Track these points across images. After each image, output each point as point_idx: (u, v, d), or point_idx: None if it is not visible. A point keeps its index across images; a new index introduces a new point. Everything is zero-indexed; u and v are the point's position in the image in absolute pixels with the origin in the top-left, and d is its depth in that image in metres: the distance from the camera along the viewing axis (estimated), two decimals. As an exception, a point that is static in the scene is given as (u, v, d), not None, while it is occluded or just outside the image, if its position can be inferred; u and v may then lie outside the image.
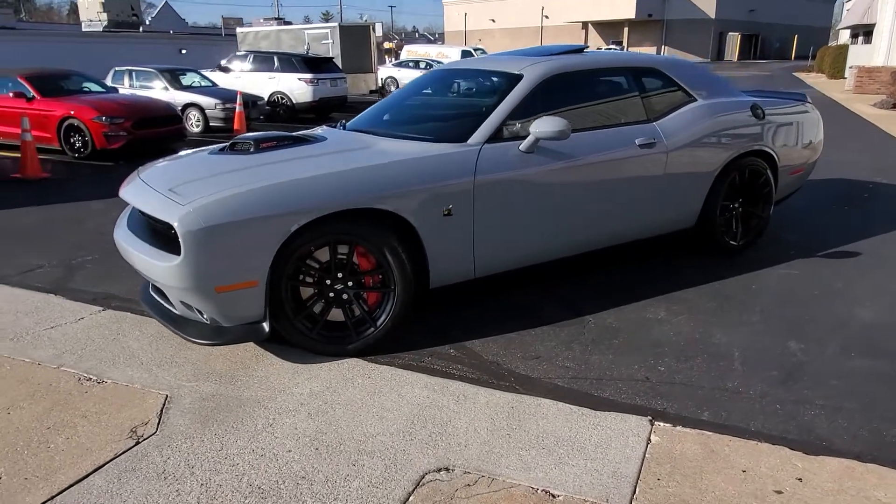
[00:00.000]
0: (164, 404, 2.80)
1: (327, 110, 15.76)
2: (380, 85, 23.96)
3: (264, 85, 15.40)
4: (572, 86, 3.87)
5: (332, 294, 3.18)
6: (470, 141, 3.46)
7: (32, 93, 10.16)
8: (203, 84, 14.01)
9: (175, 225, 2.80)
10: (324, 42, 19.46)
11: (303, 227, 2.97)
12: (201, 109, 12.90)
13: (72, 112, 9.76)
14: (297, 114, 15.37)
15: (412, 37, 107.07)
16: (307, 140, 3.63)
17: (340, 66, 17.81)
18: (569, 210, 3.71)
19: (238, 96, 12.72)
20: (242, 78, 15.65)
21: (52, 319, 3.71)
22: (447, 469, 2.33)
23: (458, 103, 4.09)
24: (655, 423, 2.60)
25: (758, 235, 4.77)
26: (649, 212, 4.08)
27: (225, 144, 3.69)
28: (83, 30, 29.15)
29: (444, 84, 4.26)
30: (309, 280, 3.13)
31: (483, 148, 3.44)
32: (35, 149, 8.54)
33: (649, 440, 2.48)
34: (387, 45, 38.96)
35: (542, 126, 3.41)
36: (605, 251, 4.09)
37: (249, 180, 3.01)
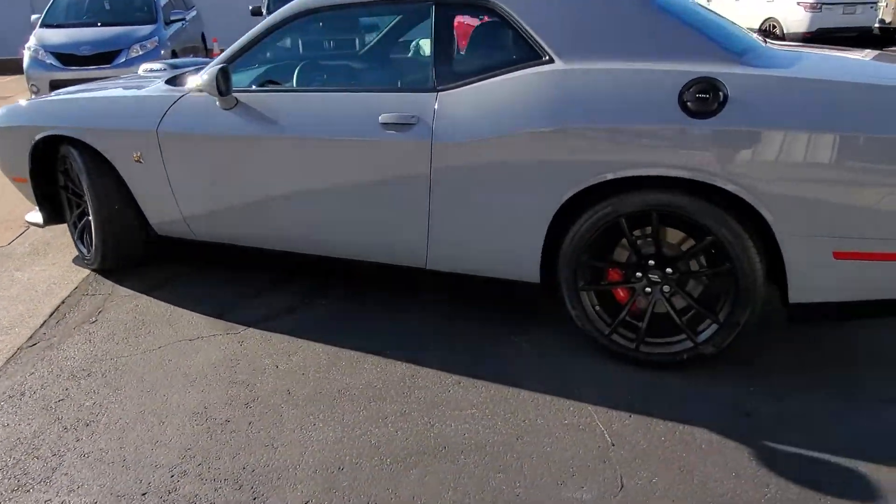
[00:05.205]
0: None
1: (832, 43, 12.32)
2: None
3: (759, 10, 13.10)
4: (337, 27, 2.72)
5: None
6: (185, 87, 3.03)
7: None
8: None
9: None
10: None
11: (45, 142, 3.40)
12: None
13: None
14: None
15: None
16: (175, 67, 3.81)
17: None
18: (277, 195, 2.83)
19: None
20: (741, 0, 13.64)
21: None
22: None
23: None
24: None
25: (696, 351, 2.31)
26: (404, 230, 2.62)
27: None
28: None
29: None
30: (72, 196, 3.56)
31: (185, 96, 2.97)
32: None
33: None
34: None
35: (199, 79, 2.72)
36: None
37: (58, 97, 3.56)
